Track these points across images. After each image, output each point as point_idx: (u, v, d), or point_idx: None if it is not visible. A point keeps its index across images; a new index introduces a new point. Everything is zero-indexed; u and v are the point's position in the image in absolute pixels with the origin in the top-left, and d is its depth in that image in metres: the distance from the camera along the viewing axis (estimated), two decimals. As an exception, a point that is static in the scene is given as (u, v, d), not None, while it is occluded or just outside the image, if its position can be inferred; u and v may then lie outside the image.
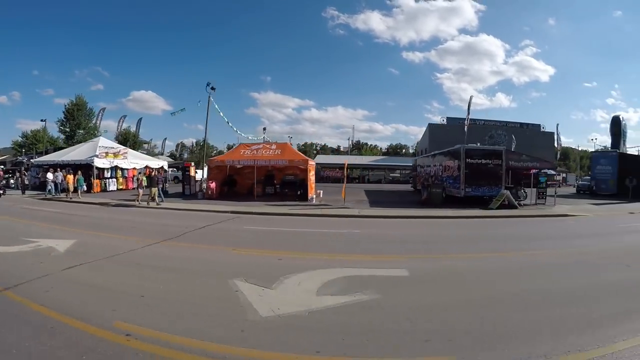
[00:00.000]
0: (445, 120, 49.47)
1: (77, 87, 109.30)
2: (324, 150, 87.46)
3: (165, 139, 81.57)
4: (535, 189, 18.86)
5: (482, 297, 4.87)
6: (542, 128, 48.92)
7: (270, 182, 21.62)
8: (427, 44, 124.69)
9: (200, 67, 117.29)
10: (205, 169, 23.49)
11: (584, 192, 27.50)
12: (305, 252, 7.70)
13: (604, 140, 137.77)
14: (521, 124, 50.00)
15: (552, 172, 21.17)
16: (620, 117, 28.71)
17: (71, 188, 19.23)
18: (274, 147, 21.07)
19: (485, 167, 18.15)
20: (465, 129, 31.25)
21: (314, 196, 19.04)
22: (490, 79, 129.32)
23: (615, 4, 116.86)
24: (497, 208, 15.84)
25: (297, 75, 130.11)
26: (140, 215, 13.57)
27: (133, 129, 57.77)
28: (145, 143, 63.47)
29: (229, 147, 56.38)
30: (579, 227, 12.27)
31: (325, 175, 43.01)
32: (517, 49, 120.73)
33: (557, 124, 47.61)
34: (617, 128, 28.47)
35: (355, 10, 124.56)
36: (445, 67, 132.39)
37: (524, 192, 19.24)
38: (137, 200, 17.02)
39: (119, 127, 55.73)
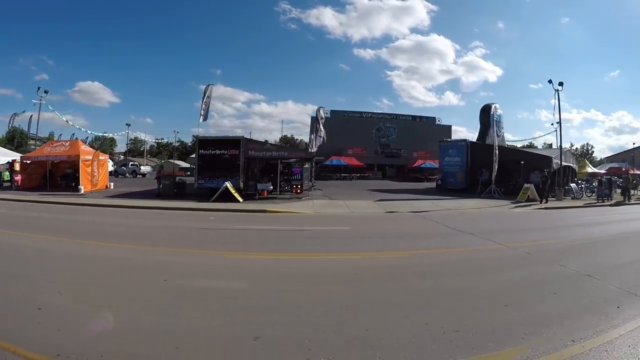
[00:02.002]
0: (329, 113, 49.75)
1: (20, 76, 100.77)
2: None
3: (61, 134, 75.44)
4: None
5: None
6: (437, 121, 52.56)
7: (58, 174, 22.48)
8: (379, 42, 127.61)
9: (149, 59, 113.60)
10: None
11: (439, 187, 25.45)
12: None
13: (548, 138, 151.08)
14: (414, 116, 53.17)
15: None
16: (494, 106, 25.65)
17: None
18: (67, 144, 23.33)
19: (221, 158, 17.46)
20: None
21: (83, 187, 19.82)
22: (440, 78, 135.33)
23: (563, 11, 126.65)
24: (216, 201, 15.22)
25: (248, 68, 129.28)
26: None
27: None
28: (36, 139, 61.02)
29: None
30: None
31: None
32: (467, 50, 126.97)
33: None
34: (485, 117, 25.97)
35: (308, 6, 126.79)
36: (396, 64, 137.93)
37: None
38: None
39: (10, 124, 53.28)
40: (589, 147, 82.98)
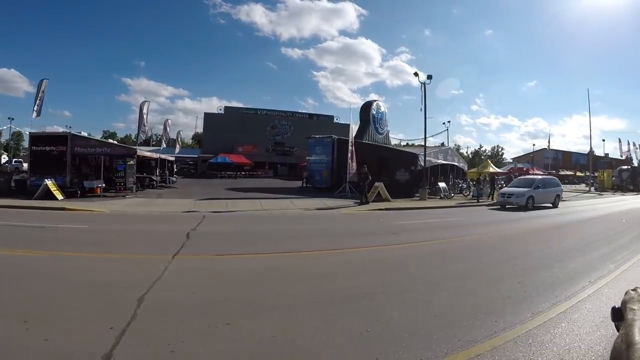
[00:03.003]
0: (222, 109, 50.06)
1: None
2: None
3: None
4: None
5: None
6: (335, 119, 51.97)
7: None
8: (307, 42, 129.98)
9: (69, 48, 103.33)
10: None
11: (304, 186, 24.23)
12: None
13: (468, 141, 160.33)
14: (310, 114, 53.24)
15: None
16: (376, 103, 25.50)
17: None
18: None
19: (50, 154, 16.71)
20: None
21: None
22: (365, 80, 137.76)
23: (487, 24, 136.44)
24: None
25: (173, 62, 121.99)
26: None
27: None
28: None
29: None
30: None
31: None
32: (393, 54, 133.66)
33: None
34: (365, 114, 25.76)
35: (239, 1, 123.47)
36: (323, 65, 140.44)
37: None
38: None
39: None
40: (500, 149, 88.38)
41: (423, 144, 21.98)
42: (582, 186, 41.63)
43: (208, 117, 49.28)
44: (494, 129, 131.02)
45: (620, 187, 41.36)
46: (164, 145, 39.59)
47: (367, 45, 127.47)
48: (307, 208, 14.56)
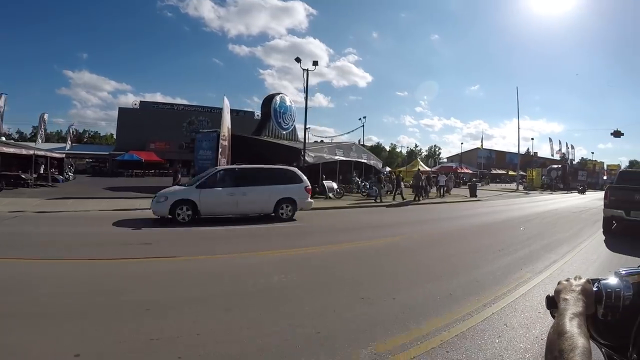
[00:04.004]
0: (137, 104, 47.39)
1: None
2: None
3: None
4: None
5: None
6: (256, 115, 49.04)
7: None
8: (255, 39, 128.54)
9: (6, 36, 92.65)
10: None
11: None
12: None
13: (411, 141, 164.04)
14: (230, 110, 51.29)
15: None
16: (280, 96, 24.03)
17: None
18: None
19: None
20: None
21: None
22: (312, 80, 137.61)
23: (434, 29, 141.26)
24: None
25: (117, 55, 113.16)
26: None
27: None
28: None
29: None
30: None
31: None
32: (341, 55, 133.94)
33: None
34: (266, 108, 24.40)
35: None
36: (270, 64, 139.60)
37: None
38: None
39: None
40: (437, 149, 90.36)
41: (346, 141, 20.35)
42: (513, 185, 41.99)
43: (123, 112, 45.19)
44: (437, 130, 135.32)
45: (550, 185, 42.33)
46: (39, 141, 35.46)
47: (315, 45, 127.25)
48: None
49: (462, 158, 50.23)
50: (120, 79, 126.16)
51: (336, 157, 21.66)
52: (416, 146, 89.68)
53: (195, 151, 22.72)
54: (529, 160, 57.41)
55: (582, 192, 36.20)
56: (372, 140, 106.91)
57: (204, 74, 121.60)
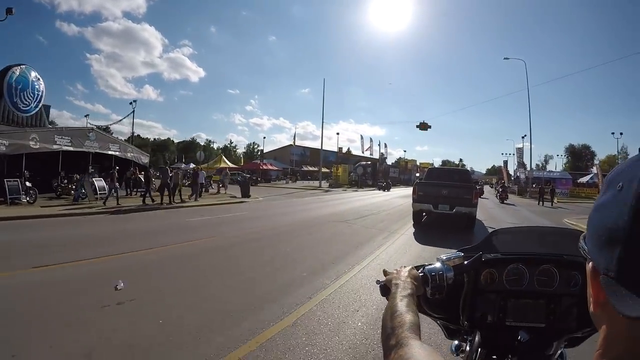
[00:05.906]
0: None
1: None
2: None
3: None
4: None
5: None
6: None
7: None
8: (87, 19, 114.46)
9: None
10: None
11: None
12: None
13: (241, 139, 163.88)
14: None
15: None
16: (20, 68, 18.25)
17: None
18: None
19: None
20: None
21: None
22: (142, 70, 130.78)
23: (272, 30, 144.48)
24: None
25: None
26: None
27: None
28: None
29: None
30: None
31: None
32: (175, 46, 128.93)
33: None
34: None
35: None
36: (99, 48, 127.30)
37: None
38: None
39: None
40: (256, 147, 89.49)
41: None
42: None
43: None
44: (266, 130, 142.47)
45: (357, 182, 42.61)
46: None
47: (150, 33, 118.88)
48: None
49: (275, 155, 51.59)
50: None
51: (54, 147, 16.43)
52: (231, 142, 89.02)
53: None
54: (346, 157, 59.41)
55: (385, 189, 34.99)
56: (201, 137, 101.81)
57: (26, 53, 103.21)
